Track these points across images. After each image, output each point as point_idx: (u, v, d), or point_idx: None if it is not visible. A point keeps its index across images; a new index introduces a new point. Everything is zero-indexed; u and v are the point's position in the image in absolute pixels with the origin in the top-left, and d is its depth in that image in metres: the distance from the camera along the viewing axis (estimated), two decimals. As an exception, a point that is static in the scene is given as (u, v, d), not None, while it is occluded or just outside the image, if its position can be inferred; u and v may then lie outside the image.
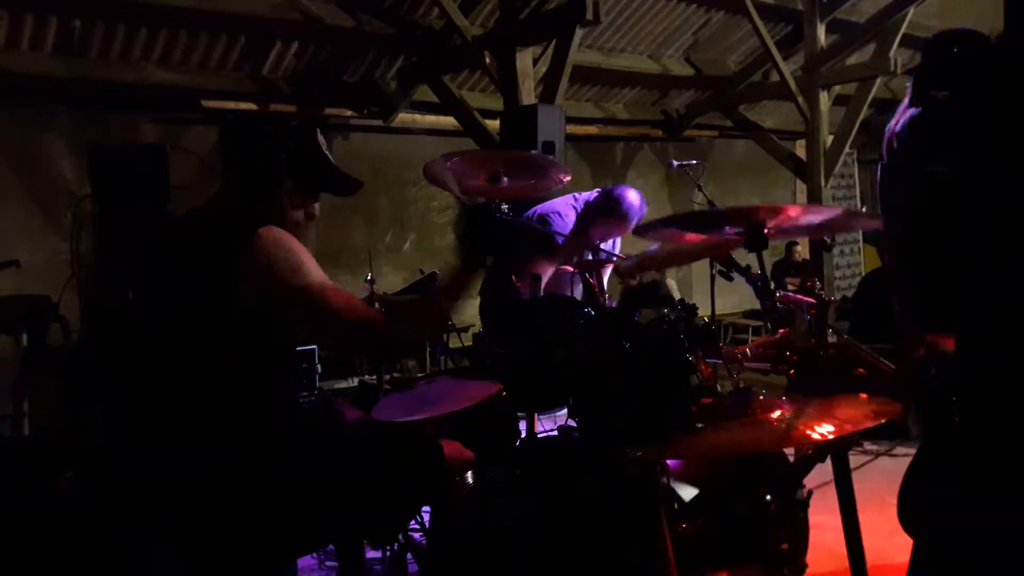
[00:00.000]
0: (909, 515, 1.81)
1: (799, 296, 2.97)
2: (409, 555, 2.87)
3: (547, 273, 3.54)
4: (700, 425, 2.04)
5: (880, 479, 3.00)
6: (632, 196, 3.72)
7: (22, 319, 4.69)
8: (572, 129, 7.56)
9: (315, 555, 3.21)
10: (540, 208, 3.91)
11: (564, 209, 3.89)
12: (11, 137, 6.59)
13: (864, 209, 10.58)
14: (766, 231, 1.88)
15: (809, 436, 1.71)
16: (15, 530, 2.93)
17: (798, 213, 1.98)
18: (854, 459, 2.05)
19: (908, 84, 2.29)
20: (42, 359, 4.66)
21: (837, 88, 8.76)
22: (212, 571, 1.97)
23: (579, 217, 3.88)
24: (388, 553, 2.91)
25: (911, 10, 8.12)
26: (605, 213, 3.75)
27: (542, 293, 3.15)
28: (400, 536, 2.82)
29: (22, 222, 6.57)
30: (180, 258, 2.01)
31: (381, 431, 2.30)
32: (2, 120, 6.48)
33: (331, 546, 2.80)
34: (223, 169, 2.11)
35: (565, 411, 2.52)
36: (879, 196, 2.12)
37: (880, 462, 4.41)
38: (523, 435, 2.65)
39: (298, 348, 2.24)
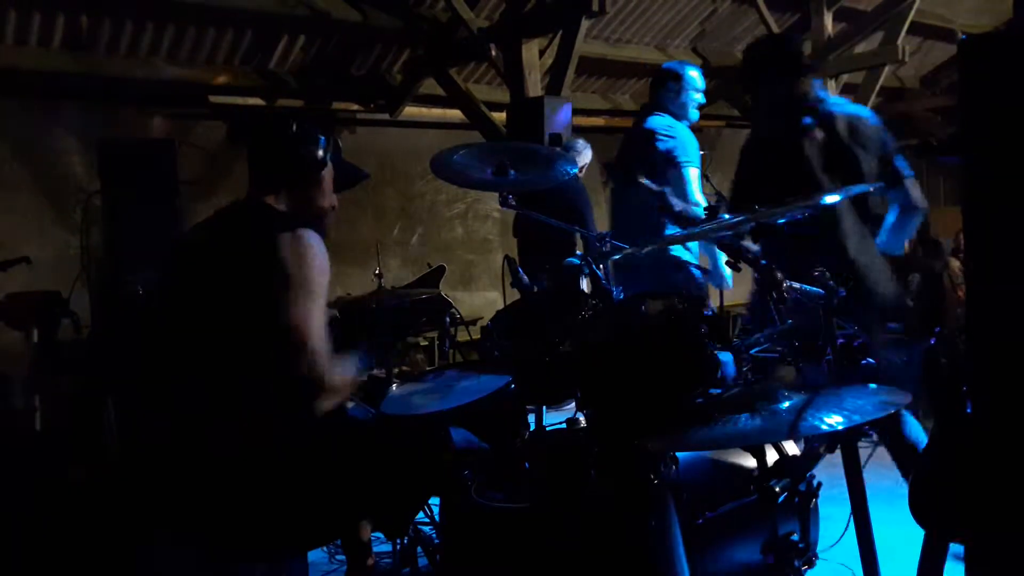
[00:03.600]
0: (920, 506, 1.80)
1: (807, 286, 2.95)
2: (419, 548, 2.88)
3: None
4: (709, 416, 2.04)
5: (890, 470, 2.99)
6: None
7: (33, 315, 4.70)
8: (579, 121, 7.54)
9: (325, 549, 3.23)
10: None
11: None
12: (21, 133, 6.60)
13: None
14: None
15: (818, 427, 1.71)
16: (28, 524, 2.96)
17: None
18: (864, 450, 2.04)
19: None
20: (53, 355, 4.67)
21: (845, 77, 8.71)
22: (224, 564, 1.99)
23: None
24: (398, 547, 2.92)
25: (918, -3, 8.06)
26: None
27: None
28: (410, 529, 2.83)
29: (32, 218, 6.58)
30: (219, 252, 2.06)
31: (390, 423, 2.31)
32: (12, 116, 6.51)
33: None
34: (255, 168, 2.17)
35: (573, 404, 2.52)
36: None
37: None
38: (531, 428, 2.65)
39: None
